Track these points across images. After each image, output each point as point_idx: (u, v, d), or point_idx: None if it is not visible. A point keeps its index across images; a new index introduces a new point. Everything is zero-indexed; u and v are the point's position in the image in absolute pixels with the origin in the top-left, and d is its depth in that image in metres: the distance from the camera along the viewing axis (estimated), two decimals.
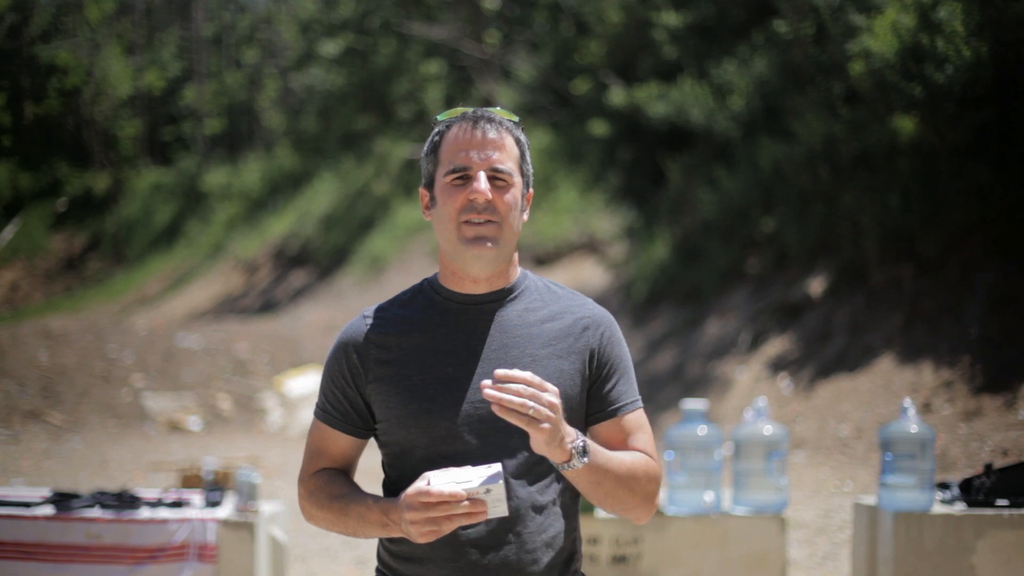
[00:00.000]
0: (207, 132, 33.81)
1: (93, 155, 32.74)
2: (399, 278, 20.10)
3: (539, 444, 2.11)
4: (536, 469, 2.29)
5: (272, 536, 5.20)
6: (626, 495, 2.29)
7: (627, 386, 2.40)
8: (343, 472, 2.42)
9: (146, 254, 30.01)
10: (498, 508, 2.11)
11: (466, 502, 2.09)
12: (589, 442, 2.21)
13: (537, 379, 2.09)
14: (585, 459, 2.17)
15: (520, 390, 2.07)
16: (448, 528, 2.12)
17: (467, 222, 2.29)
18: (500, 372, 2.08)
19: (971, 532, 4.62)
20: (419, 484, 2.13)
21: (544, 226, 18.22)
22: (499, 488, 2.10)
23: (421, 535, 2.13)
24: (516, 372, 2.08)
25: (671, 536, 4.96)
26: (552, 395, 2.09)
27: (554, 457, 2.16)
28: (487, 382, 2.08)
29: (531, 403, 2.07)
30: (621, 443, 2.37)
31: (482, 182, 2.28)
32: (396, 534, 2.23)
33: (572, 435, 2.16)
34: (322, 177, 26.44)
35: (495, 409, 2.07)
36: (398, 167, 24.06)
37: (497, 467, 2.13)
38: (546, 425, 2.08)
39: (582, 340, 2.36)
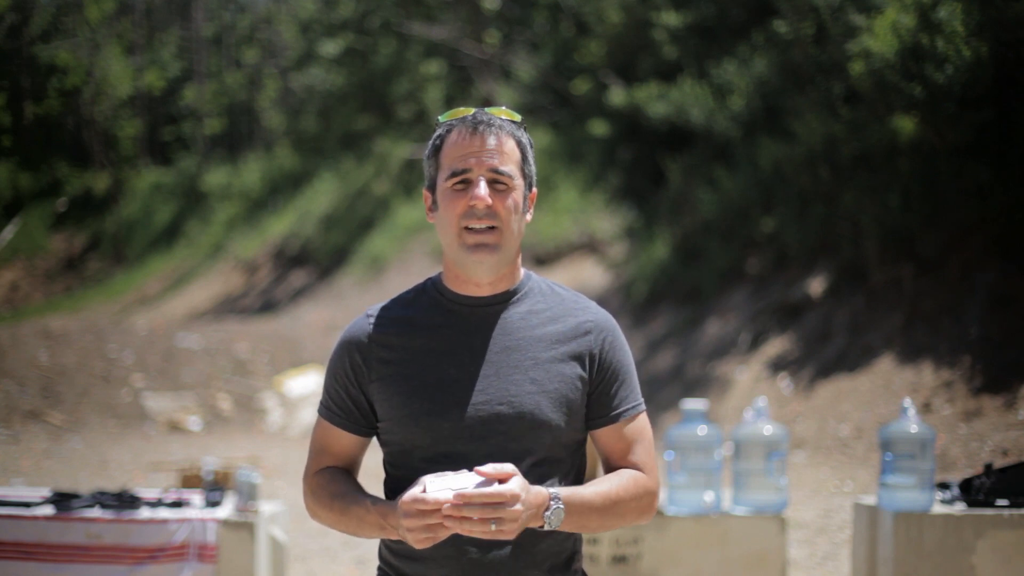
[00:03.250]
0: (207, 132, 33.81)
1: (93, 155, 32.73)
2: (399, 278, 20.10)
3: (511, 536, 2.14)
4: (537, 470, 2.29)
5: (272, 536, 5.20)
6: (615, 521, 2.33)
7: (628, 391, 2.40)
8: (346, 471, 2.42)
9: (146, 254, 30.01)
10: None
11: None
12: (565, 496, 2.22)
13: (493, 488, 2.10)
14: (559, 522, 2.21)
15: (485, 511, 2.09)
16: (444, 534, 2.13)
17: (468, 229, 2.29)
18: (457, 495, 2.09)
19: (971, 532, 4.62)
20: (414, 491, 2.14)
21: (544, 226, 18.22)
22: None
23: (418, 541, 2.14)
24: (469, 491, 2.09)
25: (671, 536, 4.96)
26: (513, 500, 2.10)
27: (531, 526, 2.19)
28: (446, 508, 2.09)
29: (493, 523, 2.09)
30: (620, 450, 2.38)
31: (482, 188, 2.28)
32: (394, 536, 2.24)
33: (543, 503, 2.18)
34: (322, 177, 26.44)
35: (455, 527, 2.11)
36: (398, 167, 24.06)
37: None
38: (513, 525, 2.12)
39: (584, 344, 2.36)
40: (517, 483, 2.12)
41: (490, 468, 2.13)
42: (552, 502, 2.19)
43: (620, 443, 2.38)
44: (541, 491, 2.19)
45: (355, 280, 22.07)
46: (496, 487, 2.11)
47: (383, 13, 24.45)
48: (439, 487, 2.11)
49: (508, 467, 2.14)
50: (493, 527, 2.09)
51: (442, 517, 2.10)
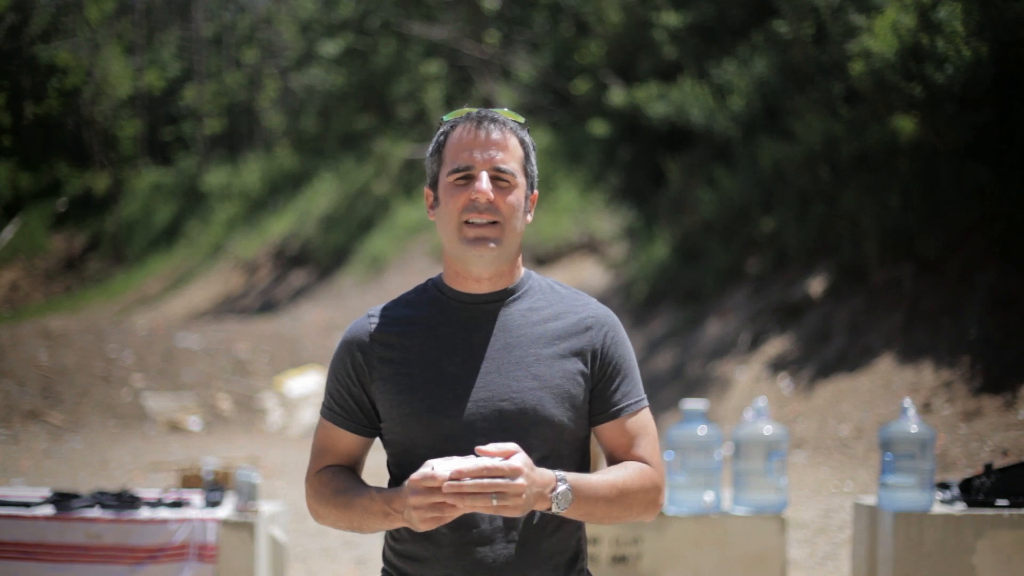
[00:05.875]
0: (207, 132, 33.79)
1: (93, 155, 32.72)
2: (399, 278, 20.10)
3: (516, 512, 2.12)
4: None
5: (272, 536, 5.20)
6: (621, 512, 2.31)
7: (630, 386, 2.39)
8: (348, 468, 2.42)
9: (146, 254, 30.00)
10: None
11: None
12: (572, 479, 2.21)
13: (494, 461, 2.08)
14: (566, 504, 2.19)
15: (484, 484, 2.07)
16: (450, 514, 2.11)
17: (469, 223, 2.30)
18: (454, 471, 2.08)
19: (971, 532, 4.61)
20: (424, 470, 2.12)
21: (544, 226, 18.22)
22: None
23: (424, 521, 2.12)
24: (469, 466, 2.08)
25: (671, 536, 4.96)
26: (513, 473, 2.09)
27: (538, 509, 2.18)
28: (446, 485, 2.07)
29: (494, 497, 2.07)
30: (623, 445, 2.37)
31: (484, 182, 2.29)
32: (398, 524, 2.22)
33: (550, 483, 2.17)
34: (322, 177, 26.44)
35: (458, 503, 2.08)
36: (398, 167, 24.06)
37: None
38: (517, 501, 2.09)
39: (585, 339, 2.36)
40: (520, 459, 2.11)
41: (493, 447, 2.11)
42: (559, 483, 2.18)
43: (623, 439, 2.37)
44: (547, 471, 2.18)
45: (355, 280, 22.08)
46: (494, 460, 2.09)
47: (383, 13, 24.44)
48: (447, 468, 2.11)
49: (511, 445, 2.13)
50: (495, 502, 2.07)
51: (444, 495, 2.09)
